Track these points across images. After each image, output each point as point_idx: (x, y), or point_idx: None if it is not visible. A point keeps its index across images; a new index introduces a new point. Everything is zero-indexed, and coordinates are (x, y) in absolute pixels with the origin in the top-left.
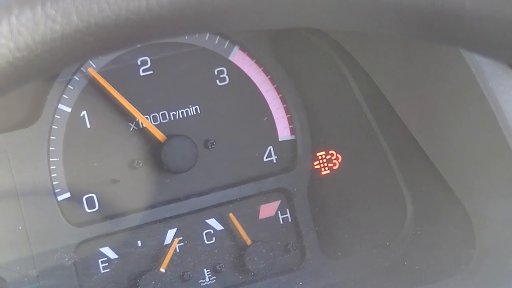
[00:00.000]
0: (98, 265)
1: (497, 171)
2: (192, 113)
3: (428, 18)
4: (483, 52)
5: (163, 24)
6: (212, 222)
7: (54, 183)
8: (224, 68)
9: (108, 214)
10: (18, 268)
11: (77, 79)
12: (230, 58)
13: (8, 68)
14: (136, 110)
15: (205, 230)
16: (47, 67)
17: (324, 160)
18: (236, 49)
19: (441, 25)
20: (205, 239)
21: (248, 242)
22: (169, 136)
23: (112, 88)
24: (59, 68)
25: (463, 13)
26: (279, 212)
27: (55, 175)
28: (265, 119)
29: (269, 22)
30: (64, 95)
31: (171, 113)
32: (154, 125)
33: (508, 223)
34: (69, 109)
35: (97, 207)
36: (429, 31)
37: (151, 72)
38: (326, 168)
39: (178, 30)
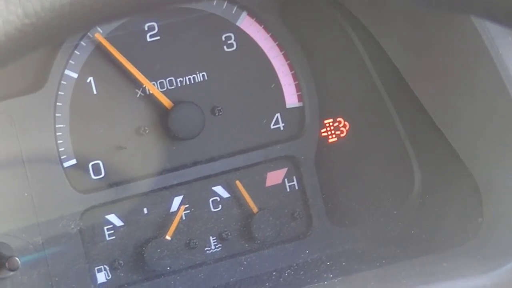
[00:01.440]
0: (104, 232)
1: (505, 139)
2: (199, 80)
3: None
4: (494, 18)
5: None
6: (219, 189)
7: (60, 149)
8: (231, 34)
9: (114, 181)
10: (23, 235)
11: (84, 44)
12: (238, 24)
13: (17, 34)
14: (143, 76)
15: (212, 197)
16: (56, 33)
17: (332, 128)
18: (244, 14)
19: None
20: (211, 206)
21: (255, 209)
22: (176, 103)
23: (119, 54)
24: (67, 35)
25: None
26: (286, 179)
27: (61, 141)
28: (272, 85)
29: None
30: (70, 61)
31: (178, 80)
32: (161, 91)
33: None
34: (75, 75)
35: (103, 174)
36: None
37: (158, 37)
38: (334, 136)
39: None
